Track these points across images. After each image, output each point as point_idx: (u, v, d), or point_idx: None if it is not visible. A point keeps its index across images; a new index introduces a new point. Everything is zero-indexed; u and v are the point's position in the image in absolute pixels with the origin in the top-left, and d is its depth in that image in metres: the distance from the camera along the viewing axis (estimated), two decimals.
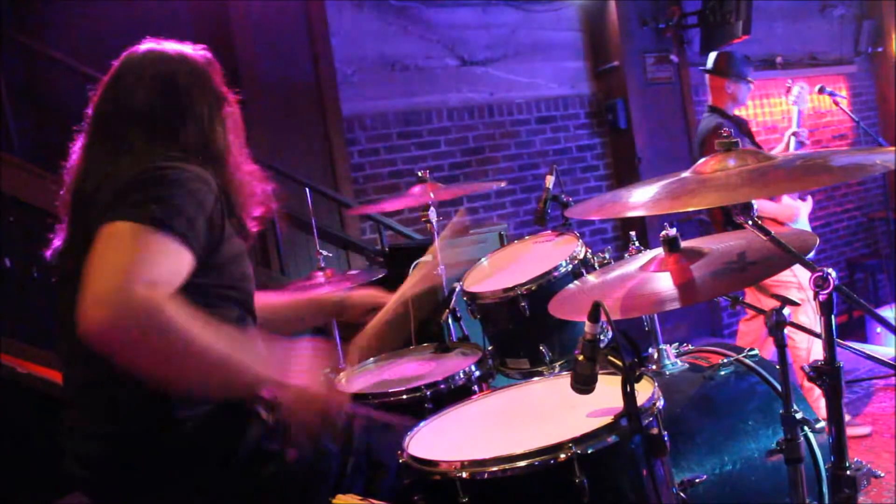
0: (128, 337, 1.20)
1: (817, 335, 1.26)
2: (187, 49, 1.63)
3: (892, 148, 1.30)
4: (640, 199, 1.39)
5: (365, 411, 1.76)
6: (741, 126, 3.81)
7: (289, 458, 1.53)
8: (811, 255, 1.49)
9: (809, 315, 3.28)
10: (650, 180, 1.45)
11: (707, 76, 3.92)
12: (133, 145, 1.50)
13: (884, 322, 1.38)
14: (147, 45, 1.62)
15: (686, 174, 1.41)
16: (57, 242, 1.56)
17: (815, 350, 3.25)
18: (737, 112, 3.94)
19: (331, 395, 1.53)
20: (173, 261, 1.30)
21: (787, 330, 1.32)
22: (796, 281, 3.44)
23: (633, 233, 1.95)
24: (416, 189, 2.51)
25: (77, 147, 1.60)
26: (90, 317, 1.20)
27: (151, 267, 1.25)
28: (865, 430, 3.53)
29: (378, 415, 1.77)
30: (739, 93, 3.84)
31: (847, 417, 3.51)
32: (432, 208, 2.50)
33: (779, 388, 1.66)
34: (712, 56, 3.92)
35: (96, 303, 1.20)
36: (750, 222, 1.31)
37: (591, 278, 1.77)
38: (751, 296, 3.43)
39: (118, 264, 1.24)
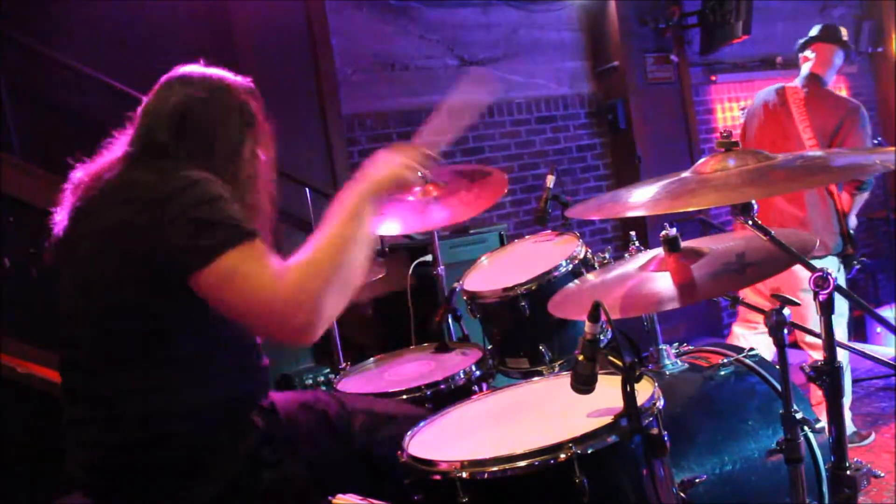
0: (321, 307, 1.37)
1: (817, 335, 1.26)
2: (229, 76, 1.66)
3: (892, 148, 1.30)
4: (643, 198, 1.38)
5: (367, 404, 1.75)
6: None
7: (287, 466, 1.54)
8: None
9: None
10: (650, 180, 1.45)
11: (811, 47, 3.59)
12: (159, 146, 1.53)
13: (884, 322, 1.38)
14: (194, 66, 1.65)
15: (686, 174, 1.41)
16: (56, 226, 1.56)
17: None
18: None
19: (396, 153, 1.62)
20: (266, 251, 1.42)
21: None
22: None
23: (633, 233, 1.95)
24: (416, 189, 2.50)
25: (115, 147, 1.60)
26: (293, 327, 1.37)
27: (269, 264, 1.39)
28: (869, 440, 3.50)
29: (381, 406, 1.77)
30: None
31: (851, 427, 3.48)
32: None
33: (779, 388, 1.66)
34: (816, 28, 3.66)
35: (286, 313, 1.36)
36: (750, 222, 1.31)
37: (591, 278, 1.78)
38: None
39: (258, 280, 1.37)
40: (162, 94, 1.59)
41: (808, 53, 3.57)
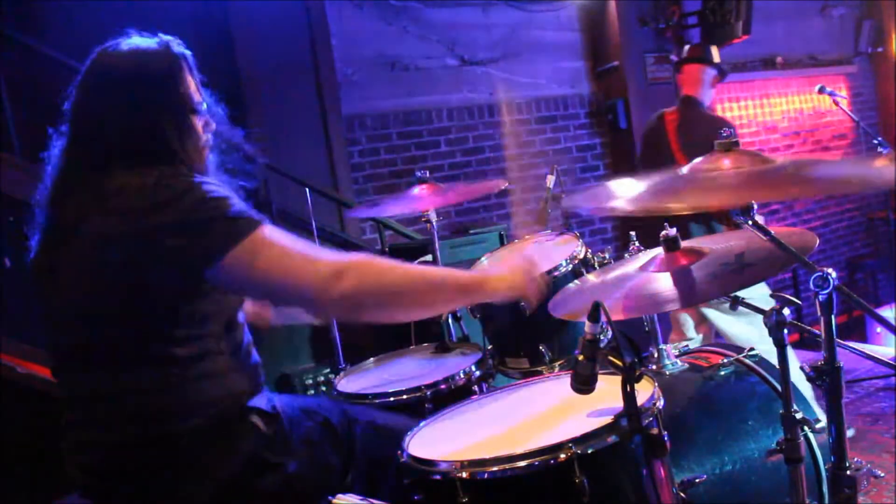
0: (369, 288, 1.44)
1: (817, 335, 1.26)
2: (155, 46, 1.59)
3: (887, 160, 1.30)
4: (631, 194, 1.38)
5: (369, 416, 1.75)
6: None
7: (288, 469, 1.54)
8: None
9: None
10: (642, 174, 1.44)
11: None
12: (117, 156, 1.49)
13: (884, 322, 1.38)
14: (116, 45, 1.60)
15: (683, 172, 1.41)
16: (32, 249, 1.56)
17: None
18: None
19: (531, 272, 1.68)
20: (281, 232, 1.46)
21: None
22: None
23: (633, 233, 1.95)
24: (416, 189, 2.51)
25: (58, 149, 1.57)
26: (339, 292, 1.40)
27: (295, 241, 1.45)
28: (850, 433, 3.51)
29: (383, 419, 1.77)
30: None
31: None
32: (432, 209, 2.50)
33: (779, 388, 1.66)
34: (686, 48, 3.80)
35: (329, 282, 1.40)
36: (750, 223, 1.31)
37: (591, 278, 1.77)
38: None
39: (295, 252, 1.43)
40: (94, 92, 1.55)
41: (681, 76, 3.64)
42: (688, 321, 3.63)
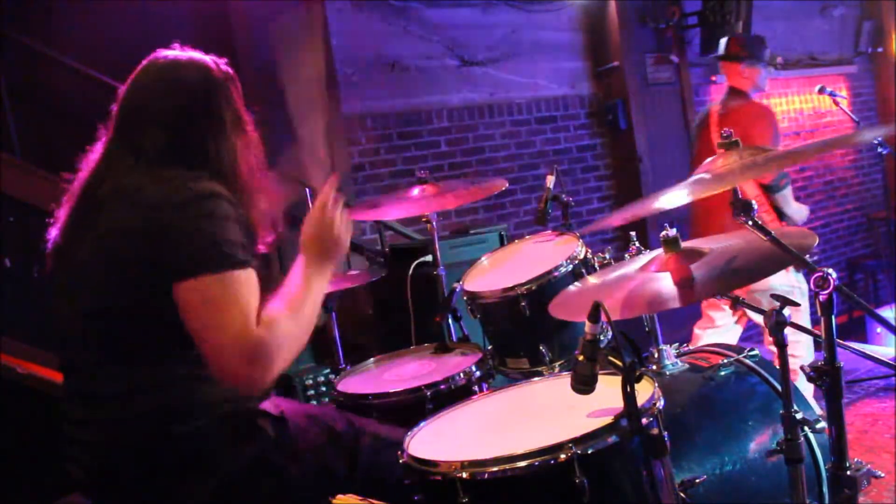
0: (273, 369, 1.39)
1: (817, 335, 1.26)
2: (209, 61, 1.62)
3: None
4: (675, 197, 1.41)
5: (374, 427, 1.75)
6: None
7: (291, 474, 1.54)
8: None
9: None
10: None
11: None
12: (150, 155, 1.50)
13: (884, 322, 1.38)
14: (171, 52, 1.62)
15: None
16: (53, 232, 1.56)
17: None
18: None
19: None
20: (254, 285, 1.44)
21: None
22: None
23: (633, 233, 1.95)
24: (417, 190, 2.51)
25: (99, 145, 1.59)
26: (239, 376, 1.37)
27: (250, 303, 1.40)
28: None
29: (386, 431, 1.77)
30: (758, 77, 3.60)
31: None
32: (433, 212, 2.50)
33: (779, 388, 1.66)
34: (723, 42, 3.71)
35: (238, 363, 1.36)
36: (750, 222, 1.31)
37: (592, 279, 1.77)
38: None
39: (234, 317, 1.37)
40: (145, 90, 1.58)
41: (722, 68, 3.64)
42: (722, 309, 3.61)
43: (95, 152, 1.59)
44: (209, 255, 1.38)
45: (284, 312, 1.44)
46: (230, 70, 1.65)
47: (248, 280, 1.41)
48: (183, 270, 1.37)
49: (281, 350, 1.39)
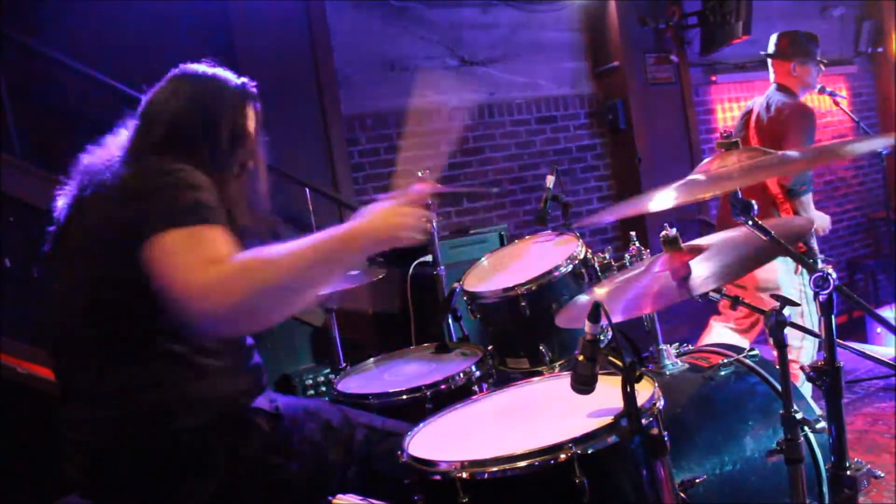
0: (237, 305, 1.29)
1: (817, 335, 1.26)
2: (230, 80, 1.67)
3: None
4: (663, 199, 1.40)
5: (369, 420, 1.76)
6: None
7: (288, 469, 1.54)
8: None
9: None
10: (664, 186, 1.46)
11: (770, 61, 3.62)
12: (148, 148, 1.53)
13: (884, 322, 1.38)
14: (199, 65, 1.67)
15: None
16: (58, 215, 1.57)
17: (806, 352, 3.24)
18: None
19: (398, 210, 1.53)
20: (227, 239, 1.39)
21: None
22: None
23: (633, 233, 1.95)
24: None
25: (113, 140, 1.62)
26: (200, 311, 1.28)
27: (214, 247, 1.35)
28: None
29: (381, 423, 1.77)
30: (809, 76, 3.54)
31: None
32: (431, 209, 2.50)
33: (779, 388, 1.66)
34: (773, 38, 3.64)
35: (194, 298, 1.28)
36: (750, 222, 1.31)
37: (599, 291, 1.77)
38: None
39: (190, 261, 1.32)
40: (161, 98, 1.62)
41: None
42: (726, 322, 3.62)
43: (110, 146, 1.61)
44: (170, 212, 1.37)
45: (263, 259, 1.35)
46: (254, 91, 1.70)
47: (208, 234, 1.37)
48: (148, 230, 1.35)
49: (245, 291, 1.30)
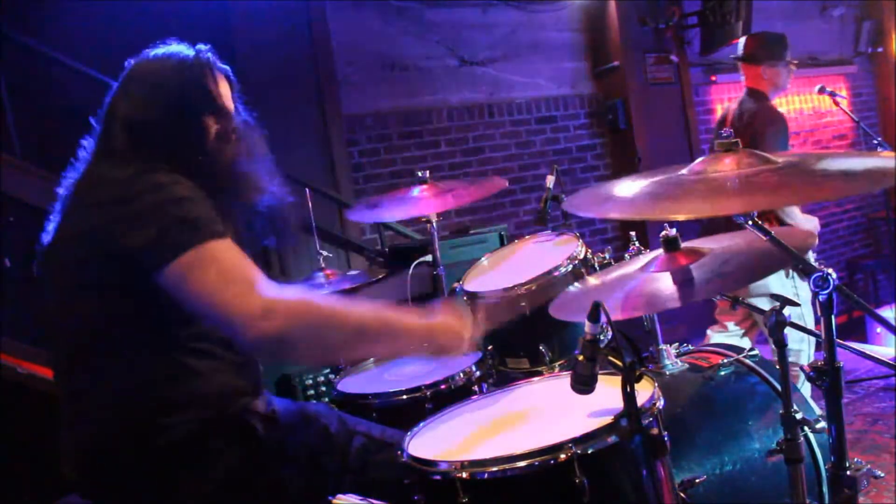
0: (299, 331, 1.36)
1: (817, 335, 1.26)
2: (186, 55, 1.60)
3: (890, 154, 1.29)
4: (630, 195, 1.36)
5: (366, 428, 1.75)
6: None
7: (283, 473, 1.54)
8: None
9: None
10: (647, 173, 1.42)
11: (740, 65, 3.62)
12: (118, 151, 1.51)
13: (884, 322, 1.38)
14: (154, 50, 1.61)
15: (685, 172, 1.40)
16: (47, 231, 1.57)
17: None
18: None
19: (472, 322, 1.59)
20: (237, 250, 1.41)
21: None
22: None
23: (633, 233, 1.95)
24: (416, 190, 2.51)
25: (88, 143, 1.60)
26: (264, 331, 1.33)
27: (242, 263, 1.39)
28: None
29: (379, 432, 1.76)
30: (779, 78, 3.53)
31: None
32: (433, 212, 2.50)
33: (779, 388, 1.66)
34: (741, 41, 3.64)
35: (256, 318, 1.33)
36: (750, 223, 1.31)
37: (593, 280, 1.77)
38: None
39: (234, 275, 1.36)
40: (121, 91, 1.58)
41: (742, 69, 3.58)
42: (731, 319, 3.61)
43: (84, 150, 1.60)
44: (178, 233, 1.36)
45: (333, 298, 1.45)
46: (211, 58, 1.63)
47: (228, 247, 1.39)
48: (159, 259, 1.35)
49: (294, 315, 1.36)
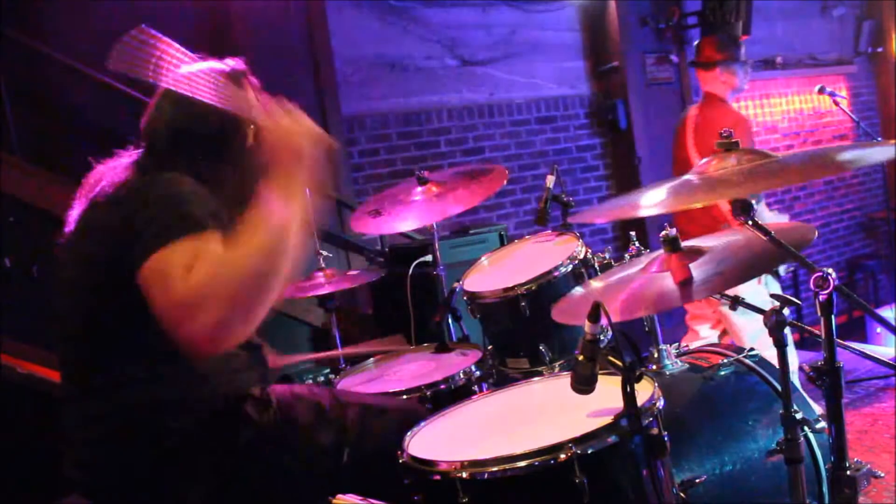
0: (211, 311, 1.24)
1: (816, 335, 1.26)
2: (215, 66, 1.61)
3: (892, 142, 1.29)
4: (650, 199, 1.39)
5: (359, 398, 1.75)
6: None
7: (282, 456, 1.54)
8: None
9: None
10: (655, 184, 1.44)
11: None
12: (151, 163, 1.53)
13: (884, 322, 1.38)
14: (189, 68, 1.56)
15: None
16: (65, 230, 1.57)
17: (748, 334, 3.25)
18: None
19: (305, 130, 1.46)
20: (204, 246, 1.32)
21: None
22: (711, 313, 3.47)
23: (633, 233, 1.95)
24: (416, 190, 2.50)
25: (125, 159, 1.59)
26: (189, 334, 1.25)
27: (185, 262, 1.28)
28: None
29: (372, 400, 1.77)
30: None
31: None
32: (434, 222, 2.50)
33: (779, 388, 1.66)
34: (695, 45, 3.65)
35: (179, 321, 1.25)
36: (750, 222, 1.31)
37: (595, 283, 1.77)
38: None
39: (163, 281, 1.28)
40: (159, 107, 1.60)
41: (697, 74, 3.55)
42: (704, 323, 3.61)
43: (120, 158, 1.60)
44: (152, 236, 1.32)
45: (216, 253, 1.31)
46: (242, 67, 1.64)
47: (192, 244, 1.31)
48: (135, 260, 1.33)
49: (211, 291, 1.25)
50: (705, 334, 3.57)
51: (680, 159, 3.52)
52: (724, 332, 3.55)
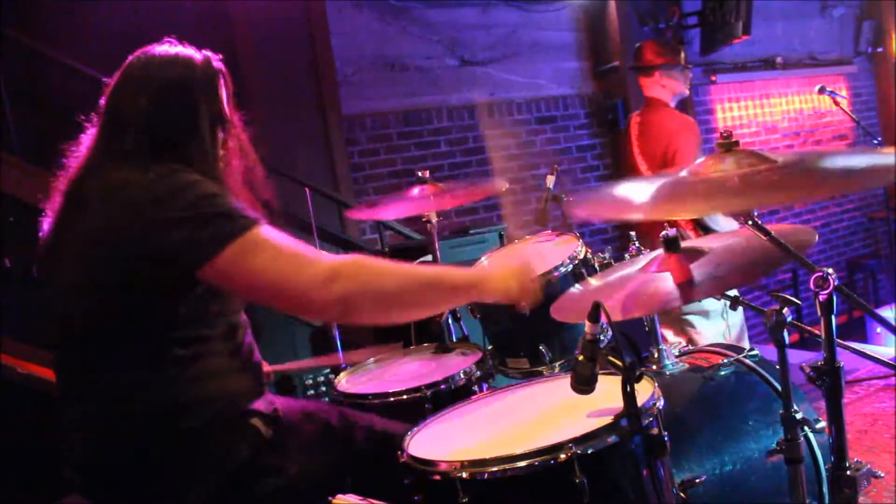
0: (359, 291, 1.43)
1: (816, 335, 1.26)
2: (196, 57, 1.60)
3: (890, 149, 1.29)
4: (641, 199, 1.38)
5: (368, 420, 1.75)
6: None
7: (287, 473, 1.54)
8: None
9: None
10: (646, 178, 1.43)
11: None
12: (132, 153, 1.49)
13: (884, 322, 1.38)
14: (160, 47, 1.60)
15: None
16: (44, 229, 1.56)
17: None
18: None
19: (527, 276, 1.65)
20: (278, 234, 1.44)
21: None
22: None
23: (632, 233, 1.95)
24: (416, 190, 2.51)
25: (87, 140, 1.58)
26: (327, 296, 1.40)
27: (293, 244, 1.43)
28: None
29: (381, 423, 1.77)
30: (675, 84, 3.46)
31: None
32: (433, 211, 2.50)
33: (779, 388, 1.66)
34: (635, 51, 3.56)
35: (318, 286, 1.40)
36: (750, 222, 1.31)
37: (594, 281, 1.77)
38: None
39: (287, 255, 1.42)
40: (128, 87, 1.56)
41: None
42: (668, 329, 3.57)
43: (83, 147, 1.58)
44: (219, 227, 1.38)
45: (379, 266, 1.49)
46: (220, 66, 1.62)
47: (269, 230, 1.43)
48: (204, 254, 1.37)
49: (353, 276, 1.42)
50: (672, 340, 3.55)
51: (628, 167, 3.51)
52: (689, 342, 3.51)
